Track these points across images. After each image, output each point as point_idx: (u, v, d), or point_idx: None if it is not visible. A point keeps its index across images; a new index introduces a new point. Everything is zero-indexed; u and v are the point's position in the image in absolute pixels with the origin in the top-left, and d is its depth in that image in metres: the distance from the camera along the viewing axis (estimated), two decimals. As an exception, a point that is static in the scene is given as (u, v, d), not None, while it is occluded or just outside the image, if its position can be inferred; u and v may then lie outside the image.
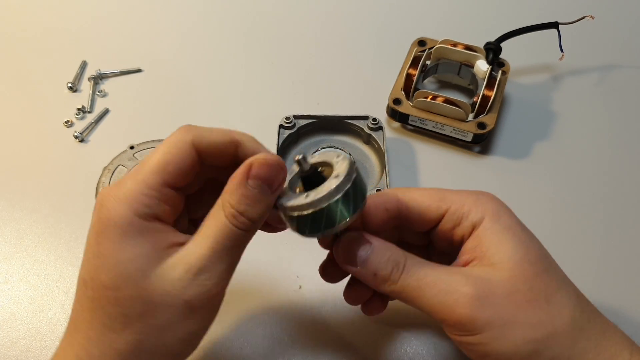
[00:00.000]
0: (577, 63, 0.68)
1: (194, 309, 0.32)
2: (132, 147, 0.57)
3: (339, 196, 0.32)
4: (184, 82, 0.67)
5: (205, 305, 0.33)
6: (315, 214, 0.32)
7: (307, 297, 0.50)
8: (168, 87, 0.67)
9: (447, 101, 0.59)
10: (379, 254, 0.35)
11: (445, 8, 0.75)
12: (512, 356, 0.33)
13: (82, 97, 0.65)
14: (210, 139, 0.34)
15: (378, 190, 0.54)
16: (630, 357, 0.34)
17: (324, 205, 0.32)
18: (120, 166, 0.55)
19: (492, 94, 0.59)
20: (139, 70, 0.68)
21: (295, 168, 0.35)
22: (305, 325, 0.49)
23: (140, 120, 0.64)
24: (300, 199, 0.33)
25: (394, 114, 0.61)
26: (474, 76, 0.63)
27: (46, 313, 0.50)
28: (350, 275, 0.39)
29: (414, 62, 0.62)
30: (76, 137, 0.61)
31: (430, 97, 0.59)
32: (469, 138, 0.59)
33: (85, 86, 0.66)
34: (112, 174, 0.55)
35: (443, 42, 0.63)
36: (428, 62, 0.64)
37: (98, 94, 0.66)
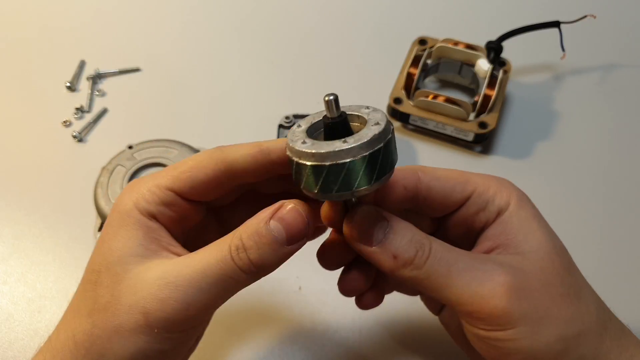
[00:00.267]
0: (579, 62, 0.68)
1: (149, 324, 0.29)
2: (130, 147, 0.57)
3: (365, 154, 0.27)
4: (182, 82, 0.67)
5: (165, 326, 0.30)
6: (332, 167, 0.27)
7: (307, 298, 0.50)
8: (167, 87, 0.66)
9: (448, 100, 0.58)
10: (401, 234, 0.31)
11: (446, 7, 0.74)
12: (542, 354, 0.30)
13: (81, 97, 0.65)
14: (235, 155, 0.32)
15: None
16: None
17: (346, 159, 0.27)
18: (118, 166, 0.55)
19: (494, 93, 0.59)
20: (137, 70, 0.67)
21: (311, 123, 0.31)
22: (305, 326, 0.49)
23: (138, 120, 0.63)
24: (320, 146, 0.28)
25: (395, 113, 0.61)
26: (475, 75, 0.63)
27: (44, 314, 0.50)
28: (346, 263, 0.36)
29: (415, 61, 0.62)
30: (75, 137, 0.61)
31: (431, 96, 0.59)
32: (470, 138, 0.59)
33: (84, 86, 0.66)
34: (110, 174, 0.55)
35: (444, 41, 0.63)
36: (429, 61, 0.64)
37: (96, 93, 0.65)
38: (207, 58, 0.69)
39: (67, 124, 0.62)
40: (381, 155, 0.28)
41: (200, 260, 0.30)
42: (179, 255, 0.32)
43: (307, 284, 0.51)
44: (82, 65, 0.68)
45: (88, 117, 0.63)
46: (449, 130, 0.59)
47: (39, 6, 0.73)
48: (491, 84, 0.60)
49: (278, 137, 0.59)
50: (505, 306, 0.29)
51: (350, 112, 0.31)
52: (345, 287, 0.36)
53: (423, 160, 0.60)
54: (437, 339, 0.48)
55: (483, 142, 0.60)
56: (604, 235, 0.56)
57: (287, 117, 0.59)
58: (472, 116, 0.59)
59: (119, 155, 0.56)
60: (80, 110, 0.63)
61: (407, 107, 0.60)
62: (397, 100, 0.60)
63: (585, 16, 0.61)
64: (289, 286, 0.51)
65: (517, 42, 0.62)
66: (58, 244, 0.54)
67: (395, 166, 0.30)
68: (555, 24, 0.62)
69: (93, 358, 0.30)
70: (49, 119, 0.63)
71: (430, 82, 0.67)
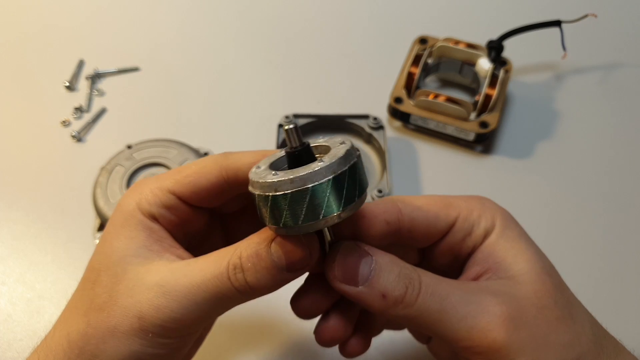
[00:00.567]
0: (580, 61, 0.68)
1: (144, 328, 0.29)
2: (129, 147, 0.56)
3: (329, 177, 0.26)
4: (182, 81, 0.66)
5: (159, 332, 0.29)
6: (295, 194, 0.26)
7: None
8: (166, 86, 0.66)
9: (449, 100, 0.58)
10: (387, 269, 0.29)
11: (446, 6, 0.74)
12: None
13: (80, 97, 0.65)
14: (239, 162, 0.31)
15: (379, 190, 0.54)
16: None
17: (308, 185, 0.26)
18: (118, 166, 0.55)
19: (495, 92, 0.59)
20: (136, 69, 0.67)
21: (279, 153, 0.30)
22: (305, 327, 0.48)
23: (137, 120, 0.63)
24: (280, 175, 0.26)
25: (395, 113, 0.60)
26: (476, 75, 0.62)
27: (43, 314, 0.50)
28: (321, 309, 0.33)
29: (416, 61, 0.62)
30: (73, 137, 0.61)
31: (432, 96, 0.58)
32: (471, 137, 0.59)
33: (83, 85, 0.66)
34: (109, 174, 0.54)
35: (445, 40, 0.63)
36: (429, 61, 0.63)
37: (95, 93, 0.65)
38: (206, 57, 0.69)
39: (65, 123, 0.62)
40: (347, 178, 0.26)
41: (199, 272, 0.29)
42: (181, 257, 0.31)
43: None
44: (80, 64, 0.67)
45: (87, 117, 0.63)
46: (449, 130, 0.59)
47: (38, 5, 0.73)
48: (492, 84, 0.59)
49: (278, 137, 0.58)
50: (503, 338, 0.28)
51: (323, 144, 0.30)
52: (323, 338, 0.33)
53: (424, 160, 0.60)
54: None
55: (484, 142, 0.60)
56: (605, 235, 0.55)
57: (287, 117, 0.59)
58: (473, 116, 0.59)
59: (118, 155, 0.56)
60: (79, 109, 0.63)
61: (407, 106, 0.60)
62: (398, 100, 0.60)
63: (586, 15, 0.61)
64: (289, 287, 0.50)
65: (518, 41, 0.62)
66: (57, 244, 0.54)
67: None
68: (556, 23, 0.61)
69: (86, 358, 0.30)
70: (48, 118, 0.62)
71: (431, 82, 0.66)
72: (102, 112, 0.64)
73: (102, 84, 0.66)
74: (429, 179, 0.59)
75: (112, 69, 0.67)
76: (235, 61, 0.68)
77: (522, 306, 0.29)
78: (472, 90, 0.64)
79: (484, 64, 0.61)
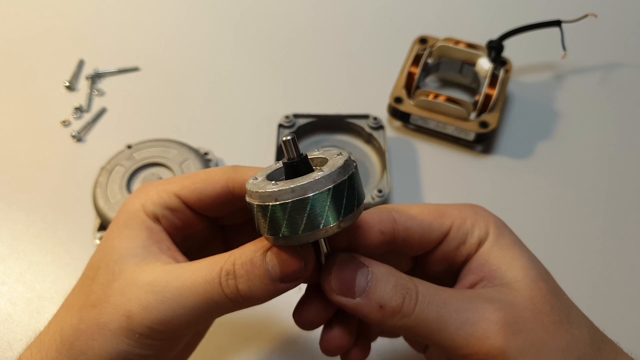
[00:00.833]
0: (580, 61, 0.68)
1: (131, 328, 0.29)
2: (129, 147, 0.56)
3: (329, 187, 0.26)
4: (182, 81, 0.66)
5: (145, 333, 0.29)
6: (295, 204, 0.26)
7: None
8: (166, 86, 0.66)
9: (449, 100, 0.58)
10: (384, 280, 0.29)
11: (446, 6, 0.74)
12: None
13: (80, 96, 0.65)
14: (247, 176, 0.32)
15: (379, 190, 0.54)
16: None
17: (309, 194, 0.26)
18: (118, 166, 0.55)
19: (495, 92, 0.59)
20: (136, 69, 0.67)
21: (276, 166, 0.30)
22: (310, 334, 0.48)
23: (138, 120, 0.63)
24: (280, 184, 0.26)
25: (395, 112, 0.60)
26: (476, 75, 0.62)
27: (43, 314, 0.50)
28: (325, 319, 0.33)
29: (416, 61, 0.62)
30: (73, 137, 0.61)
31: (432, 95, 0.58)
32: (471, 137, 0.59)
33: (83, 85, 0.66)
34: (109, 174, 0.54)
35: (445, 40, 0.63)
36: (429, 61, 0.63)
37: (95, 93, 0.65)
38: (206, 57, 0.69)
39: (66, 123, 0.62)
40: (346, 189, 0.27)
41: (191, 275, 0.29)
42: (177, 261, 0.32)
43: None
44: (80, 64, 0.67)
45: (87, 117, 0.63)
46: (449, 130, 0.59)
47: (38, 6, 0.73)
48: (492, 83, 0.59)
49: (278, 137, 0.58)
50: (502, 344, 0.28)
51: (320, 156, 0.30)
52: (329, 347, 0.33)
53: (424, 160, 0.60)
54: None
55: (484, 142, 0.60)
56: (605, 234, 0.55)
57: (287, 117, 0.59)
58: (473, 115, 0.59)
59: (118, 155, 0.56)
60: (79, 109, 0.63)
61: (407, 106, 0.60)
62: (398, 100, 0.60)
63: (586, 15, 0.61)
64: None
65: (518, 41, 0.62)
66: (57, 244, 0.54)
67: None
68: (557, 23, 0.61)
69: (75, 354, 0.30)
70: (48, 118, 0.62)
71: (431, 82, 0.66)
72: (102, 112, 0.64)
73: (102, 84, 0.66)
74: (429, 178, 0.59)
75: (112, 69, 0.67)
76: (235, 61, 0.68)
77: (519, 312, 0.29)
78: (472, 90, 0.64)
79: (484, 64, 0.61)
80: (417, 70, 0.61)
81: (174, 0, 0.74)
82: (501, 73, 0.60)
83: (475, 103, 0.59)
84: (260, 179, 0.29)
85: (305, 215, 0.26)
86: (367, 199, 0.53)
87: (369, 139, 0.60)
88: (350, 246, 0.31)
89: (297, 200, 0.26)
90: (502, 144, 0.61)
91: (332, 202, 0.26)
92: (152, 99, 0.65)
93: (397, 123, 0.62)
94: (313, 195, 0.26)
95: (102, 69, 0.67)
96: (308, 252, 0.29)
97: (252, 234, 0.31)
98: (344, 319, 0.33)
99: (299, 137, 0.60)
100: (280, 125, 0.59)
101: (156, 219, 0.33)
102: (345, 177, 0.27)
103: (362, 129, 0.60)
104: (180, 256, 0.32)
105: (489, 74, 0.60)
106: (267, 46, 0.70)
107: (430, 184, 0.58)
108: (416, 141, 0.62)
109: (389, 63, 0.66)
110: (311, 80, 0.67)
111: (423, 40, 0.64)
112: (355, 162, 0.29)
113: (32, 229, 0.55)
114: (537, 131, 0.62)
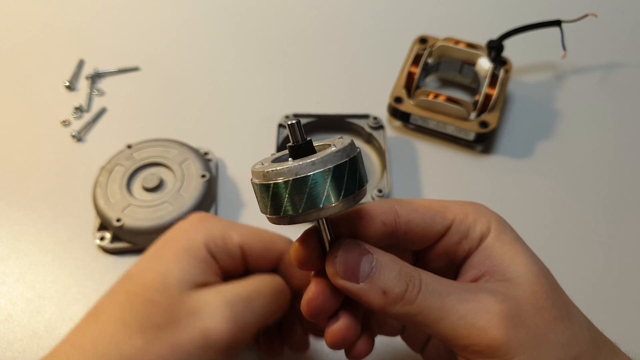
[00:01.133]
0: (580, 61, 0.68)
1: (207, 345, 0.32)
2: (129, 147, 0.56)
3: (329, 167, 0.27)
4: (182, 81, 0.66)
5: (220, 346, 0.33)
6: (296, 182, 0.26)
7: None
8: (166, 86, 0.66)
9: (449, 100, 0.58)
10: (388, 267, 0.30)
11: (447, 6, 0.74)
12: None
13: (80, 96, 0.65)
14: (257, 246, 0.38)
15: (379, 190, 0.54)
16: None
17: (309, 172, 0.26)
18: (118, 166, 0.55)
19: (495, 92, 0.59)
20: (136, 69, 0.67)
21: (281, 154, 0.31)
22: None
23: (138, 119, 0.63)
24: (281, 164, 0.27)
25: (395, 112, 0.60)
26: (476, 74, 0.62)
27: (43, 314, 0.50)
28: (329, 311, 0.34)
29: (416, 60, 0.62)
30: (73, 137, 0.61)
31: (432, 95, 0.58)
32: (472, 137, 0.59)
33: (83, 85, 0.65)
34: (109, 174, 0.54)
35: (445, 40, 0.63)
36: (429, 60, 0.63)
37: (95, 92, 0.65)
38: (206, 57, 0.69)
39: (65, 123, 0.62)
40: (347, 170, 0.27)
41: (253, 280, 0.36)
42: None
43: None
44: (80, 64, 0.67)
45: (87, 117, 0.63)
46: (449, 130, 0.59)
47: (38, 5, 0.73)
48: (492, 83, 0.59)
49: (278, 136, 0.58)
50: (503, 336, 0.28)
51: (324, 143, 0.31)
52: (335, 338, 0.33)
53: (424, 159, 0.60)
54: None
55: (484, 142, 0.60)
56: (605, 234, 0.55)
57: (286, 117, 0.59)
58: (473, 115, 0.59)
59: (118, 155, 0.56)
60: (79, 109, 0.63)
61: (407, 106, 0.60)
62: (398, 100, 0.60)
63: (586, 15, 0.61)
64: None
65: (518, 41, 0.62)
66: (57, 244, 0.54)
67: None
68: (557, 23, 0.61)
69: None
70: (48, 118, 0.62)
71: (431, 82, 0.66)
72: (102, 111, 0.64)
73: (102, 84, 0.66)
74: (429, 178, 0.59)
75: (112, 68, 0.67)
76: (235, 61, 0.68)
77: (521, 306, 0.30)
78: (472, 90, 0.64)
79: (484, 64, 0.61)
80: (417, 70, 0.61)
81: (174, 0, 0.74)
82: (501, 73, 0.60)
83: (475, 103, 0.59)
84: (266, 163, 0.30)
85: (306, 193, 0.27)
86: (367, 199, 0.53)
87: (369, 139, 0.60)
88: (353, 235, 0.32)
89: (298, 178, 0.26)
90: (502, 143, 0.61)
91: (333, 182, 0.27)
92: (152, 98, 0.65)
93: (397, 123, 0.62)
94: (313, 174, 0.26)
95: (102, 68, 0.67)
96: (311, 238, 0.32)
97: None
98: (349, 310, 0.34)
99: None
100: (280, 125, 0.59)
101: (214, 256, 0.37)
102: (347, 159, 0.27)
103: (362, 128, 0.60)
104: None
105: (489, 73, 0.60)
106: (267, 46, 0.70)
107: (430, 184, 0.58)
108: (416, 141, 0.62)
109: (389, 63, 0.66)
110: (311, 80, 0.67)
111: (423, 40, 0.64)
112: (358, 148, 0.29)
113: (32, 229, 0.55)
114: (537, 131, 0.62)
